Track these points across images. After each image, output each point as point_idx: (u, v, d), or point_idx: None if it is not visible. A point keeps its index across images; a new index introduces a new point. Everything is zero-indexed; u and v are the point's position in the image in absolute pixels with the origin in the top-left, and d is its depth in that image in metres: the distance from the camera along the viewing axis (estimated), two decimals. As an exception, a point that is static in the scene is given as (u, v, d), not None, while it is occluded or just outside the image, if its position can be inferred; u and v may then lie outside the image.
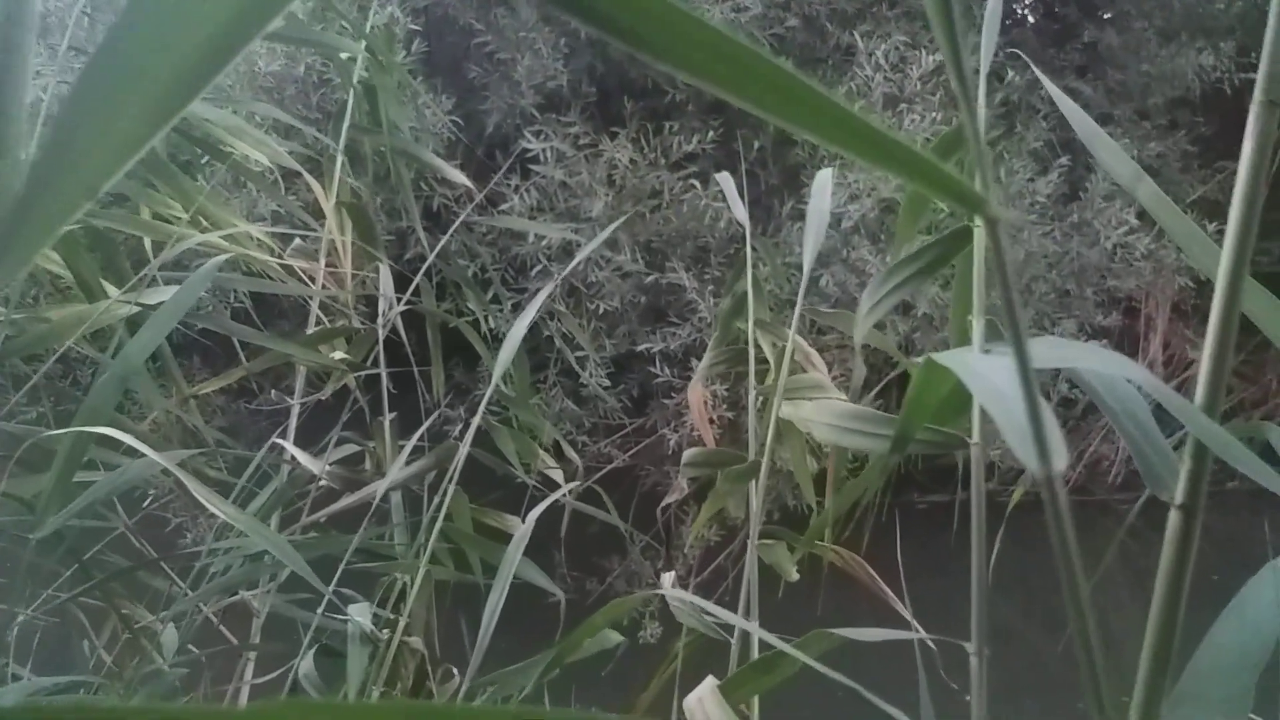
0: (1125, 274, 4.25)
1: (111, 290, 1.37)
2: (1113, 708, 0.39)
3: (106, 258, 1.45)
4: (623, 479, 4.12)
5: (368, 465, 1.62)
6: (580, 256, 1.60)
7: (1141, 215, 4.06)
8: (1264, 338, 0.61)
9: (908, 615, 1.06)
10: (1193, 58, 4.47)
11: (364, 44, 1.74)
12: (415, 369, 1.77)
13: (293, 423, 1.63)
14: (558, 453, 1.75)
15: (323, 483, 1.44)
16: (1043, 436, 0.28)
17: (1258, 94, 0.45)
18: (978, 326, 0.75)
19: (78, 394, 1.69)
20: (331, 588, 1.21)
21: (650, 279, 3.96)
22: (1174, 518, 0.49)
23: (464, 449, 1.32)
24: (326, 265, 1.70)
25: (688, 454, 1.24)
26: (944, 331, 3.83)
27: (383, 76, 1.76)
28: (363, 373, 1.66)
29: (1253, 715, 0.59)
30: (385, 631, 1.25)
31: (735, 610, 1.06)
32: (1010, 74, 4.06)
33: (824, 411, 0.89)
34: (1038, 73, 0.91)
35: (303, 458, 1.41)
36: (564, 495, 1.36)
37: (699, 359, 1.36)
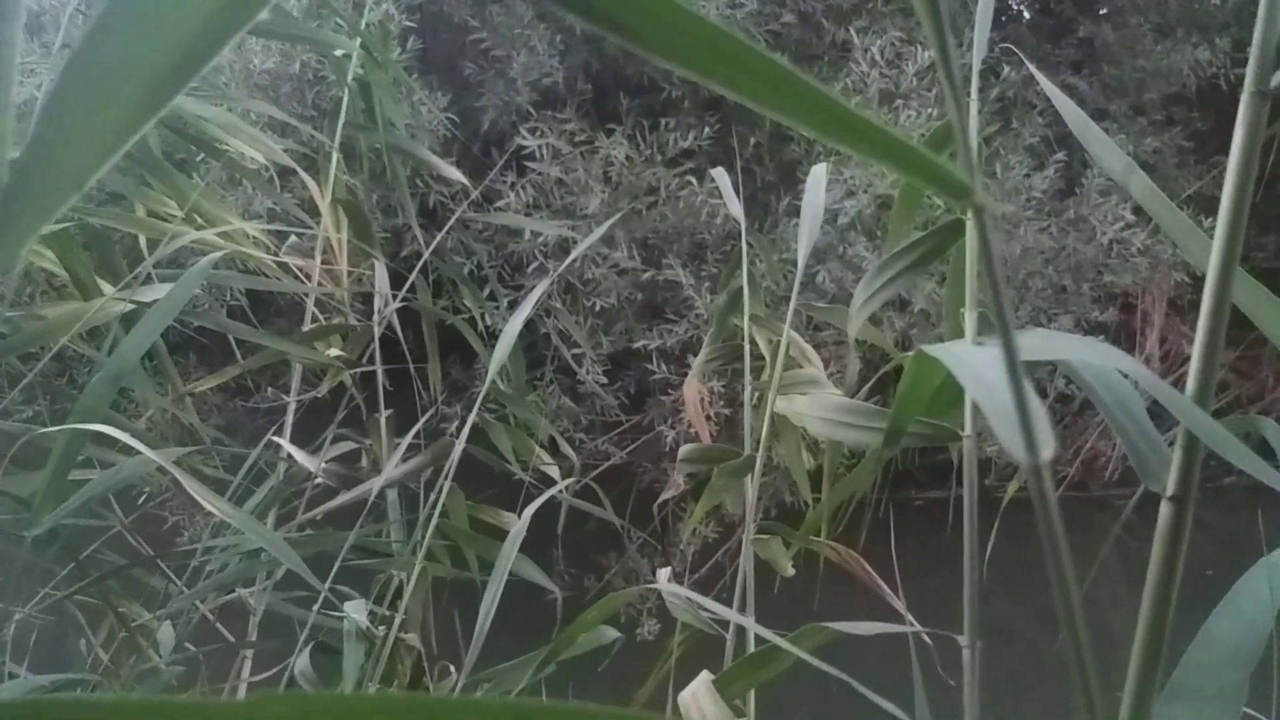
0: (1121, 269, 4.25)
1: (106, 288, 1.36)
2: (1101, 706, 0.39)
3: (101, 255, 1.45)
4: (620, 476, 4.12)
5: (364, 462, 1.62)
6: (576, 253, 1.60)
7: (1138, 211, 4.07)
8: (1260, 333, 0.61)
9: (903, 610, 1.06)
10: (1188, 53, 4.47)
11: (359, 41, 1.73)
12: (411, 366, 1.77)
13: (289, 420, 1.63)
14: (554, 449, 1.75)
15: (319, 480, 1.43)
16: (1030, 426, 0.28)
17: (1248, 84, 0.45)
18: (970, 319, 0.75)
19: (73, 392, 1.69)
20: (328, 585, 1.21)
21: (647, 276, 3.96)
22: (1165, 509, 0.49)
23: (460, 446, 1.32)
24: (322, 263, 1.70)
25: (683, 450, 1.25)
26: (941, 327, 3.84)
27: (378, 73, 1.76)
28: (359, 370, 1.66)
29: (1247, 709, 0.60)
30: (381, 629, 1.25)
31: (731, 606, 1.06)
32: (1006, 70, 4.06)
33: (817, 406, 0.89)
34: (1032, 68, 0.91)
35: (299, 455, 1.41)
36: (560, 491, 1.36)
37: (696, 355, 1.36)
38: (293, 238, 1.74)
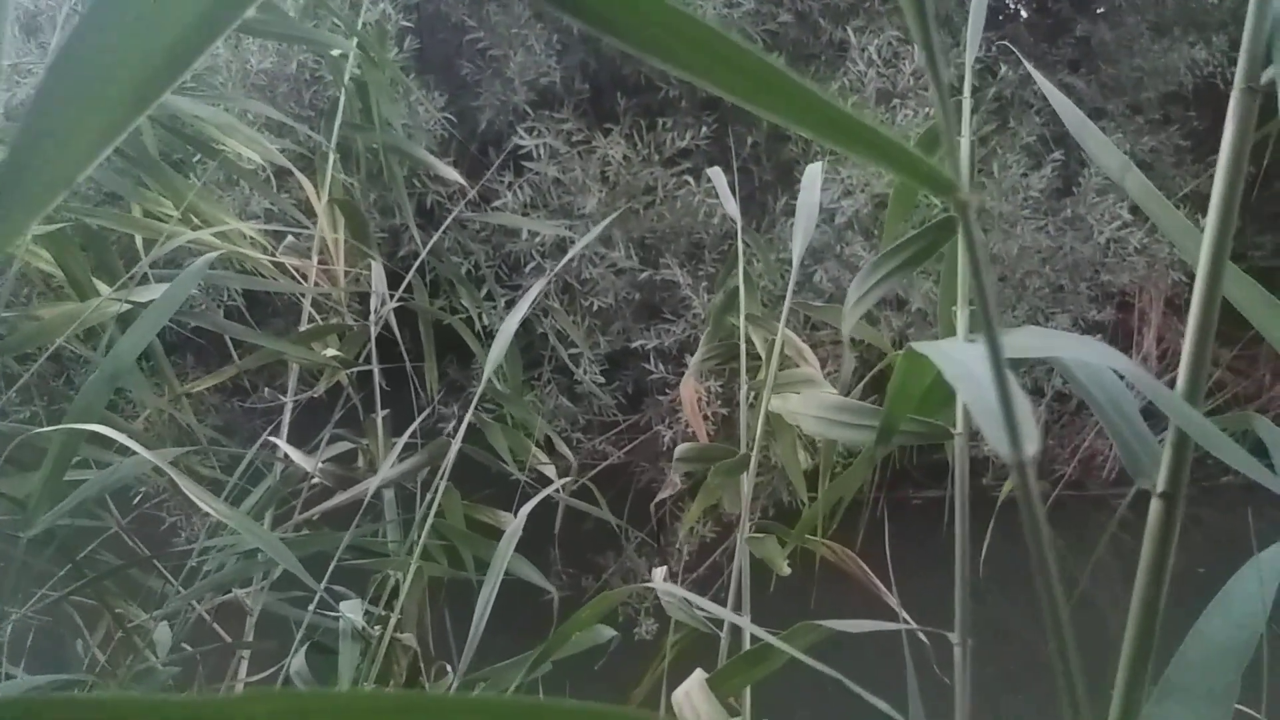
0: (1119, 269, 4.26)
1: (103, 288, 1.36)
2: (1087, 703, 0.40)
3: (98, 256, 1.45)
4: (618, 476, 4.12)
5: (360, 462, 1.62)
6: (573, 252, 1.60)
7: (1135, 210, 4.07)
8: (1257, 333, 0.61)
9: (897, 607, 1.06)
10: (1185, 52, 4.48)
11: (356, 41, 1.73)
12: (408, 366, 1.76)
13: (285, 420, 1.63)
14: (551, 449, 1.75)
15: (315, 480, 1.43)
16: (1015, 422, 0.28)
17: (1238, 81, 0.45)
18: (962, 316, 0.75)
19: (69, 392, 1.69)
20: (324, 585, 1.21)
21: (644, 275, 3.96)
22: (1155, 506, 0.49)
23: (457, 445, 1.32)
24: (319, 263, 1.70)
25: (680, 449, 1.25)
26: (937, 327, 3.83)
27: (375, 73, 1.76)
28: (355, 370, 1.66)
29: (1239, 706, 0.60)
30: (377, 628, 1.25)
31: (727, 605, 1.06)
32: (1003, 69, 4.06)
33: (811, 404, 0.89)
34: (1029, 67, 0.91)
35: (295, 455, 1.41)
36: (557, 491, 1.36)
37: (693, 355, 1.36)
38: (289, 238, 1.74)
